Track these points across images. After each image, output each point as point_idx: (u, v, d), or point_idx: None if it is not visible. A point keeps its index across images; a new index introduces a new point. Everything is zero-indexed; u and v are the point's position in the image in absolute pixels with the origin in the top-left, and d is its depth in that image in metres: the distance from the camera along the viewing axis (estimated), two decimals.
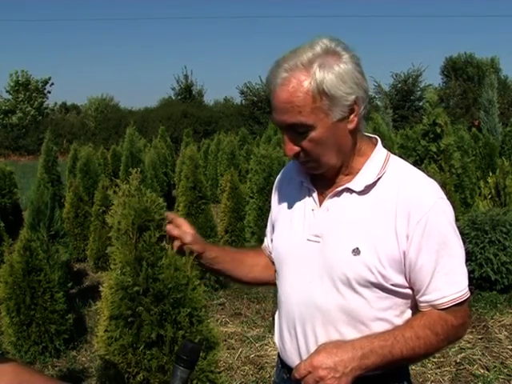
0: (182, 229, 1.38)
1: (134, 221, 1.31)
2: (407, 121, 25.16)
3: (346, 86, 1.23)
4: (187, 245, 1.37)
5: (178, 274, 1.33)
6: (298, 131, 1.25)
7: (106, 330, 1.33)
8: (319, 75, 1.21)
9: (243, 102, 30.37)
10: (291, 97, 1.22)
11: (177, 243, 1.36)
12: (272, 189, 1.58)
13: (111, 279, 1.33)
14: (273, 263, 1.54)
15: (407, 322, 1.29)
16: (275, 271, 1.50)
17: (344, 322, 1.29)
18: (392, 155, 1.36)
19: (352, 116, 1.27)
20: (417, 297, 1.29)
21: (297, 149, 1.27)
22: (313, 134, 1.24)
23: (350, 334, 1.28)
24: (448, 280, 1.26)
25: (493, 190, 6.39)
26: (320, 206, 1.35)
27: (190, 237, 1.38)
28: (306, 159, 1.30)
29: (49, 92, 35.25)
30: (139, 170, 1.38)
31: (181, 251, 1.36)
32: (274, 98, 1.25)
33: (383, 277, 1.25)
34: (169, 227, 1.35)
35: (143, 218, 1.32)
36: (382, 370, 1.25)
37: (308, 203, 1.38)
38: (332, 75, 1.21)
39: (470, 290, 1.30)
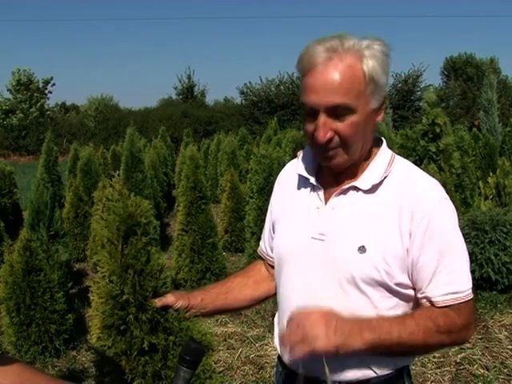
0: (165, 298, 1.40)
1: (119, 227, 1.27)
2: (407, 121, 25.15)
3: (385, 76, 1.24)
4: (173, 306, 1.39)
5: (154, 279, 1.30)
6: (337, 114, 1.21)
7: (98, 338, 1.31)
8: (370, 61, 1.21)
9: (243, 102, 30.34)
10: (340, 77, 1.18)
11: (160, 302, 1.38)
12: (272, 189, 1.56)
13: (99, 288, 1.30)
14: (271, 266, 1.53)
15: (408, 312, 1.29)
16: (273, 274, 1.48)
17: None
18: (397, 156, 1.36)
19: (381, 109, 1.29)
20: (418, 295, 1.29)
21: (332, 134, 1.23)
22: (353, 119, 1.22)
23: None
24: (450, 280, 1.25)
25: (493, 190, 6.39)
26: (325, 203, 1.34)
27: (172, 297, 1.39)
28: (337, 145, 1.24)
29: (50, 92, 35.15)
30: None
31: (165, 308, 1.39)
32: (314, 77, 1.20)
33: (388, 275, 1.24)
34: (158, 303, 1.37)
35: (128, 223, 1.27)
36: (378, 355, 1.24)
37: (313, 201, 1.36)
38: (377, 63, 1.22)
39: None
